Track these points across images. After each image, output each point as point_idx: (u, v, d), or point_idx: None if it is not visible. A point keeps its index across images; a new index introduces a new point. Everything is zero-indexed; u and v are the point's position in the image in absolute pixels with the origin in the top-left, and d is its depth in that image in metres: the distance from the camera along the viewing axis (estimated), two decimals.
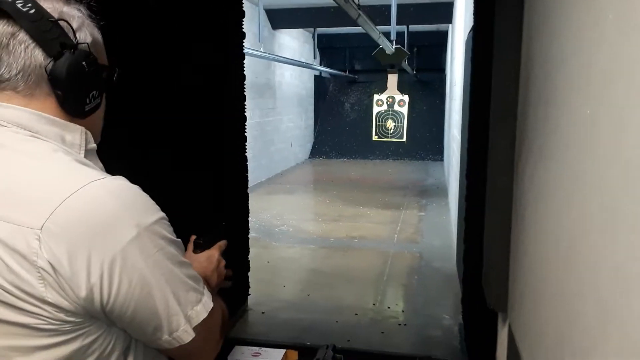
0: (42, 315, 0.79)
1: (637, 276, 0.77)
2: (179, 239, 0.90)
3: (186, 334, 0.89)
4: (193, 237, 1.27)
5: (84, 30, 0.92)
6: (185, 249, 1.13)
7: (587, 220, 1.01)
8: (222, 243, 1.28)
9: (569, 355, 1.10)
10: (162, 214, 0.87)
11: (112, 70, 0.99)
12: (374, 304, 3.84)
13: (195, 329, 0.90)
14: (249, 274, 3.58)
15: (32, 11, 0.85)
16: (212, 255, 1.23)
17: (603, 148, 0.93)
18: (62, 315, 0.80)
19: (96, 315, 0.83)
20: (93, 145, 0.94)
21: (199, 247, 1.25)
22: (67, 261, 0.78)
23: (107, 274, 0.80)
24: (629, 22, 0.83)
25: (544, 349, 1.35)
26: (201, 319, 0.91)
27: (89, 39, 0.92)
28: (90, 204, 0.80)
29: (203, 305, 0.92)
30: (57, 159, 0.84)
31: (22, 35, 0.85)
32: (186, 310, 0.89)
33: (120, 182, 0.86)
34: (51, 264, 0.78)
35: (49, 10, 0.88)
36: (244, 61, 3.33)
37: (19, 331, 0.80)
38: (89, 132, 0.93)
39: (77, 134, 0.91)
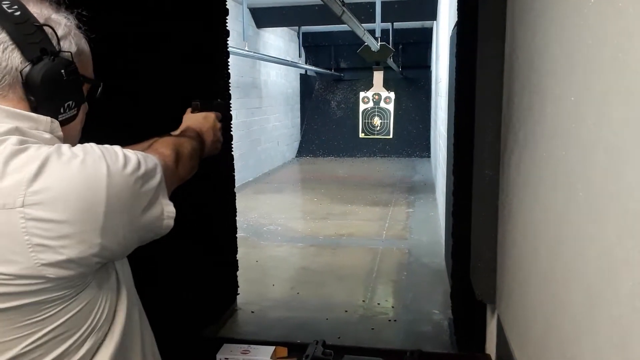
0: (44, 289, 0.80)
1: (623, 261, 0.77)
2: (116, 146, 0.90)
3: (169, 207, 0.95)
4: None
5: (69, 39, 0.91)
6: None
7: (573, 208, 1.01)
8: (218, 113, 1.40)
9: (557, 342, 1.10)
10: (105, 153, 0.85)
11: (96, 84, 0.97)
12: (363, 301, 3.83)
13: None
14: (238, 273, 3.56)
15: (18, 13, 0.84)
16: (209, 116, 1.35)
17: (587, 134, 0.93)
18: (62, 283, 0.81)
19: (115, 251, 0.87)
20: (61, 134, 0.91)
21: (196, 109, 1.39)
22: (64, 221, 0.78)
23: (108, 227, 0.83)
24: (610, 7, 0.83)
25: (532, 338, 1.36)
26: (167, 191, 0.97)
27: (73, 49, 0.91)
28: (58, 173, 0.79)
29: (160, 176, 0.95)
30: (16, 142, 0.81)
31: (2, 36, 0.84)
32: (161, 201, 0.94)
33: (73, 147, 0.84)
34: (47, 234, 0.78)
35: (35, 14, 0.86)
36: (229, 60, 3.31)
37: (24, 312, 0.81)
38: (55, 121, 0.90)
39: (41, 124, 0.87)
